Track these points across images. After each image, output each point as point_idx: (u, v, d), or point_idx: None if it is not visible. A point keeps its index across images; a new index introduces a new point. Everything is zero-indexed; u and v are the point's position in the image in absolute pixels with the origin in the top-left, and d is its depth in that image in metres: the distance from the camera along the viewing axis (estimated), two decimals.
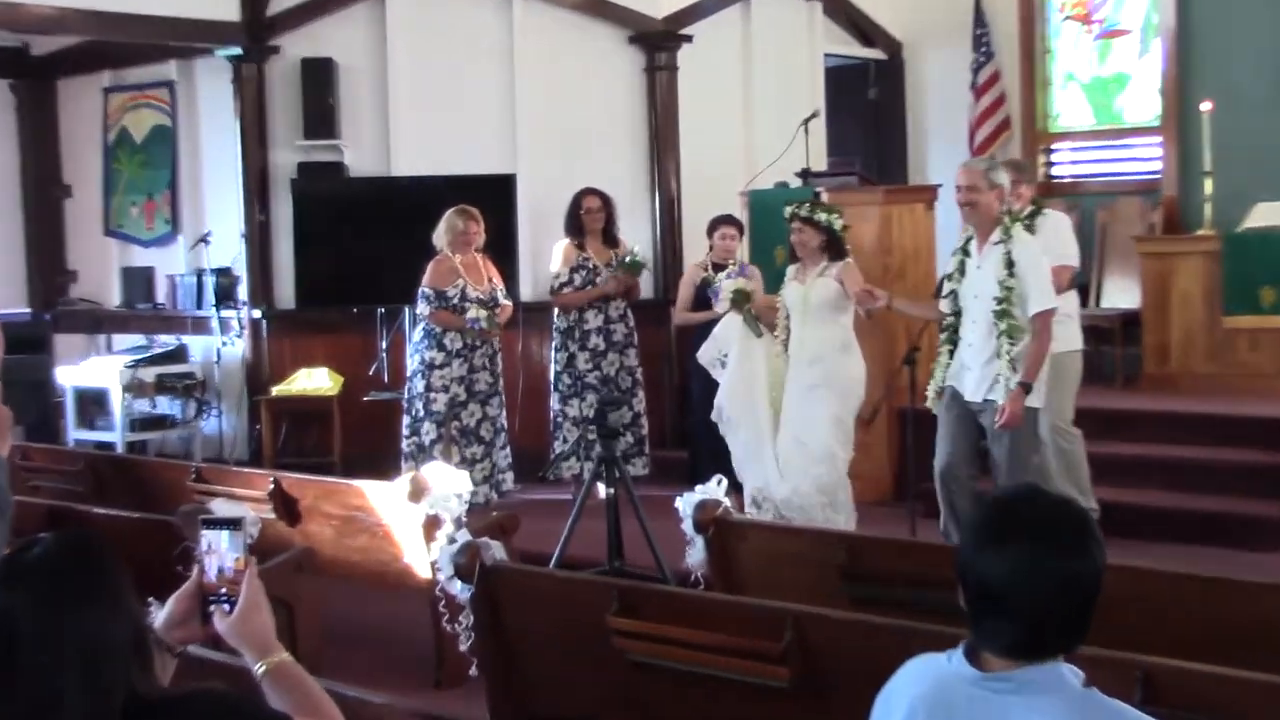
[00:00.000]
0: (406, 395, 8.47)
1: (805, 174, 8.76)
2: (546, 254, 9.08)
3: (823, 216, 6.99)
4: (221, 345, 10.00)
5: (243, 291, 10.04)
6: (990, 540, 2.17)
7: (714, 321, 7.50)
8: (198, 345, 10.34)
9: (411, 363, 8.46)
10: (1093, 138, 10.93)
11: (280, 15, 9.75)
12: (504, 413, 8.52)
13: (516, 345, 9.14)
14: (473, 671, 4.57)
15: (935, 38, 11.59)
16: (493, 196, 9.17)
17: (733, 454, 7.17)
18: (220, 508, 5.33)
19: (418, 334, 8.46)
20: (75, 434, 10.21)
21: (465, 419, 8.36)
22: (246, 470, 6.92)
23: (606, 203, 8.72)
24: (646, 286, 9.75)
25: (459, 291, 8.27)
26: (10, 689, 1.93)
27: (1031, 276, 6.02)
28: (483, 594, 4.40)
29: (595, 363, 8.65)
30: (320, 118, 9.70)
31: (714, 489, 5.08)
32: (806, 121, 8.98)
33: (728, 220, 8.42)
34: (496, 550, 4.47)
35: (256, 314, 9.94)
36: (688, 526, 5.01)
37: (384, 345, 9.47)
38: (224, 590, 2.31)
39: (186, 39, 9.84)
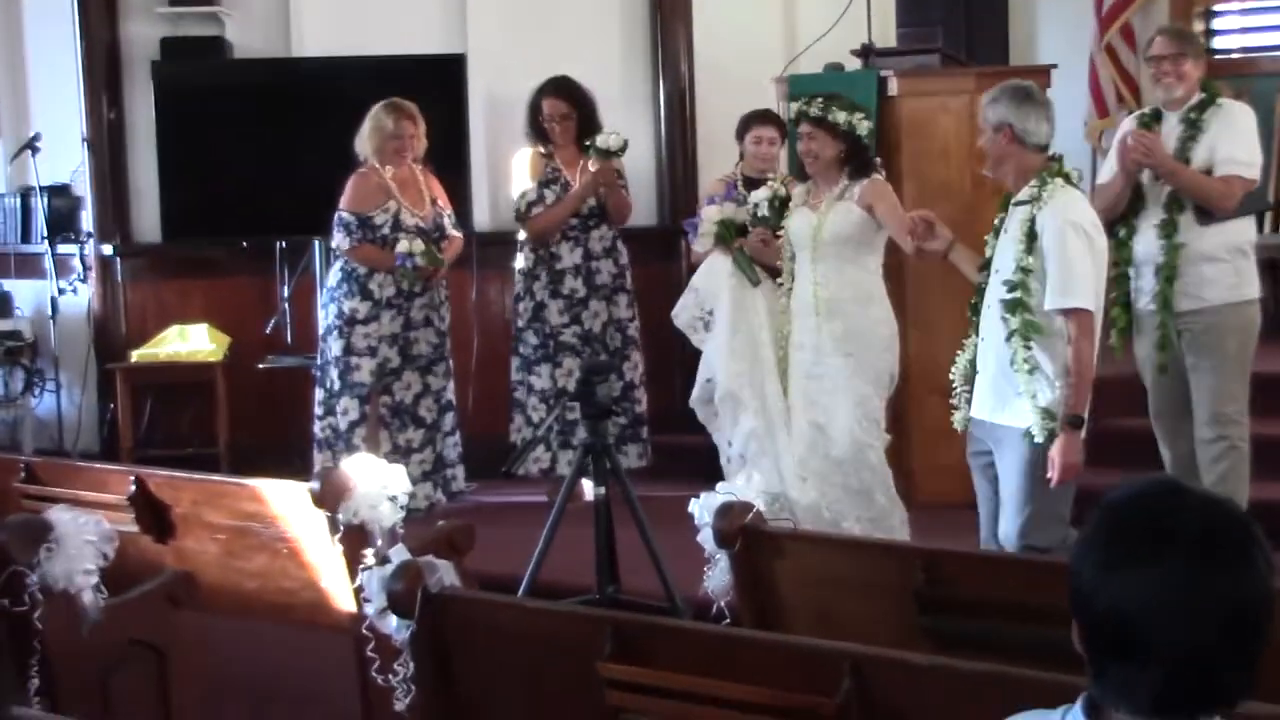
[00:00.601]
0: (319, 361, 8.53)
1: (866, 52, 8.77)
2: (508, 166, 9.12)
3: (841, 117, 7.00)
4: (58, 293, 10.05)
5: (86, 220, 10.08)
6: (1121, 559, 2.15)
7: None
8: (25, 293, 10.39)
9: (325, 316, 8.52)
10: None
11: None
12: (451, 384, 8.58)
13: (469, 293, 9.18)
14: None
15: None
16: (435, 86, 9.23)
17: (729, 445, 7.24)
18: (61, 518, 5.37)
19: (333, 277, 8.51)
20: None
21: (399, 393, 8.44)
22: (97, 466, 6.95)
23: (580, 104, 8.75)
24: (646, 208, 9.79)
25: (390, 219, 8.33)
26: None
27: (1058, 257, 5.75)
28: (426, 632, 4.44)
29: (573, 314, 8.71)
30: None
31: (742, 486, 5.13)
32: None
33: (765, 118, 8.45)
34: (445, 573, 4.52)
35: (107, 250, 9.98)
36: (707, 539, 5.05)
37: (285, 292, 9.52)
38: None
39: None
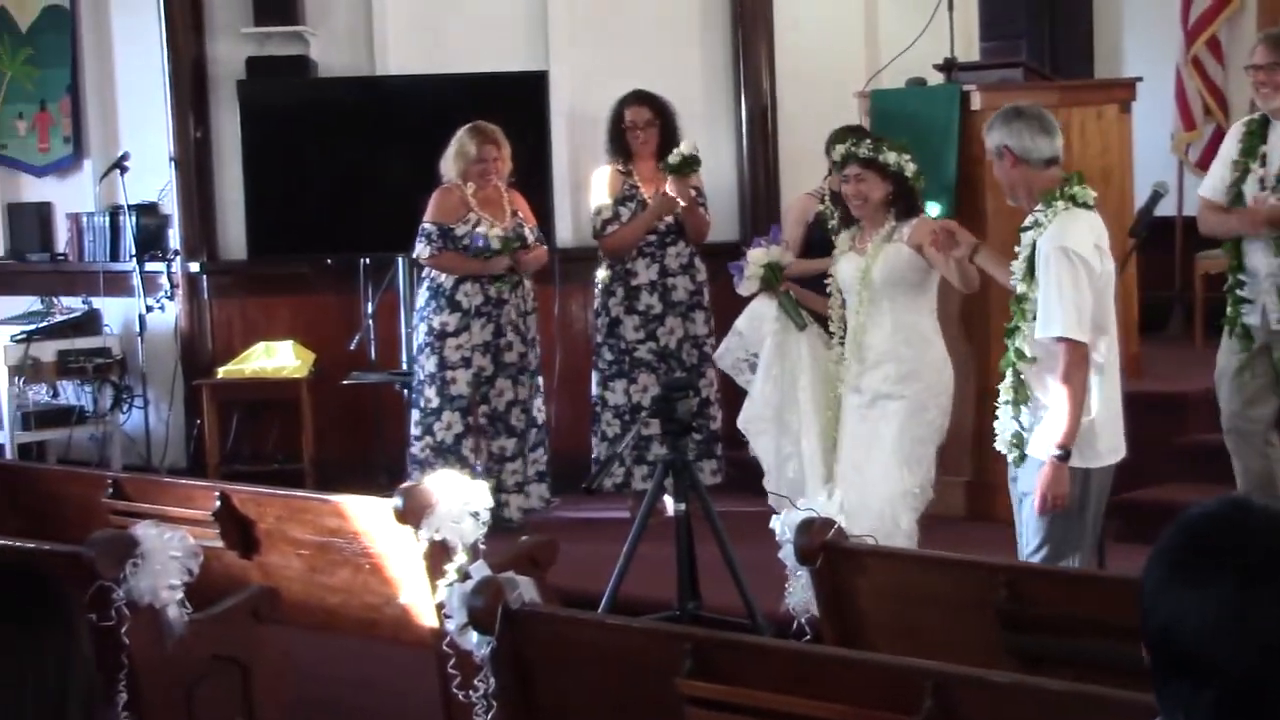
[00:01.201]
0: (414, 382, 8.57)
1: (949, 66, 8.74)
2: (589, 182, 9.13)
3: (892, 157, 6.83)
4: (146, 310, 10.14)
5: (174, 238, 10.17)
6: (1179, 575, 2.11)
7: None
8: (114, 311, 10.50)
9: (416, 337, 8.58)
10: None
11: None
12: (539, 400, 8.62)
13: (552, 308, 9.20)
14: None
15: None
16: (517, 103, 9.27)
17: (762, 460, 7.21)
18: (147, 533, 5.42)
19: (421, 297, 8.58)
20: None
21: (494, 400, 8.49)
22: (183, 482, 7.01)
23: (661, 113, 8.76)
24: (728, 224, 9.77)
25: (470, 230, 8.38)
26: None
27: (1043, 285, 5.63)
28: (507, 649, 4.45)
29: (648, 330, 8.71)
30: None
31: (824, 503, 5.11)
32: None
33: (857, 133, 8.40)
34: (526, 589, 4.52)
35: (194, 267, 10.07)
36: (788, 555, 5.04)
37: (370, 309, 9.57)
38: None
39: None
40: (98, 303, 10.48)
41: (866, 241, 6.87)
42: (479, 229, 8.36)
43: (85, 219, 10.67)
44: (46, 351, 10.18)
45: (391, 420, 9.52)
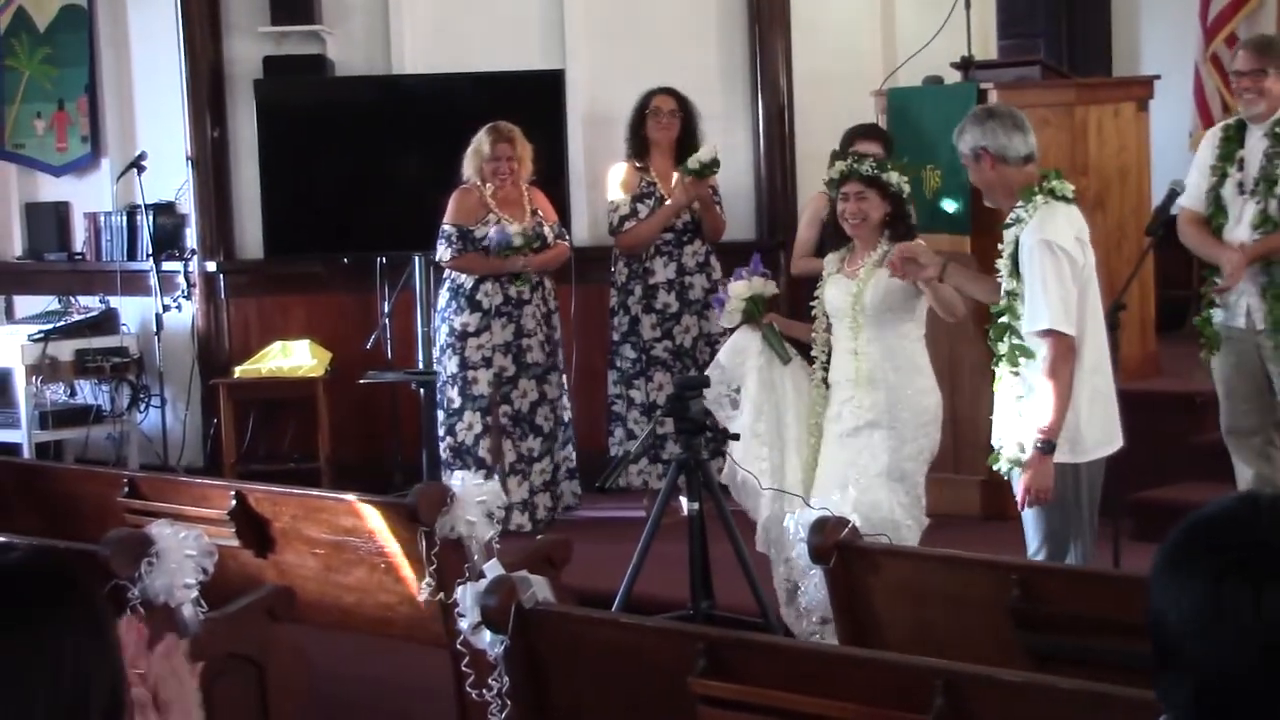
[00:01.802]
0: (439, 382, 8.61)
1: (966, 64, 8.74)
2: (606, 180, 9.15)
3: (894, 177, 6.59)
4: (163, 310, 10.18)
5: (191, 237, 10.21)
6: (1172, 566, 2.09)
7: None
8: (130, 310, 10.54)
9: (438, 338, 8.62)
10: None
11: None
12: (566, 397, 8.68)
13: (569, 307, 9.22)
14: None
15: None
16: (534, 102, 9.30)
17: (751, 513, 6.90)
18: (162, 532, 5.44)
19: (441, 298, 8.62)
20: None
21: (517, 401, 8.52)
22: (200, 481, 7.04)
23: (684, 107, 8.80)
24: (745, 223, 9.79)
25: (492, 229, 8.40)
26: None
27: (1035, 277, 5.63)
28: (521, 648, 4.46)
29: (665, 329, 8.73)
30: None
31: (836, 501, 5.12)
32: None
33: (870, 134, 8.38)
34: (540, 588, 4.53)
35: (211, 267, 10.11)
36: (801, 554, 5.06)
37: (386, 308, 9.59)
38: None
39: None
40: (115, 302, 10.51)
41: (857, 264, 6.59)
42: (496, 226, 8.39)
43: (103, 218, 10.71)
44: (64, 351, 10.20)
45: (407, 419, 9.55)
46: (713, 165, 8.59)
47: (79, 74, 10.86)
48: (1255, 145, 6.87)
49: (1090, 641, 4.51)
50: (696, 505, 5.83)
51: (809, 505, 5.36)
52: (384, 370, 9.48)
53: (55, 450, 10.36)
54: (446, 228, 8.47)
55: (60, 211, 11.01)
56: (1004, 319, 5.71)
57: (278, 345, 9.86)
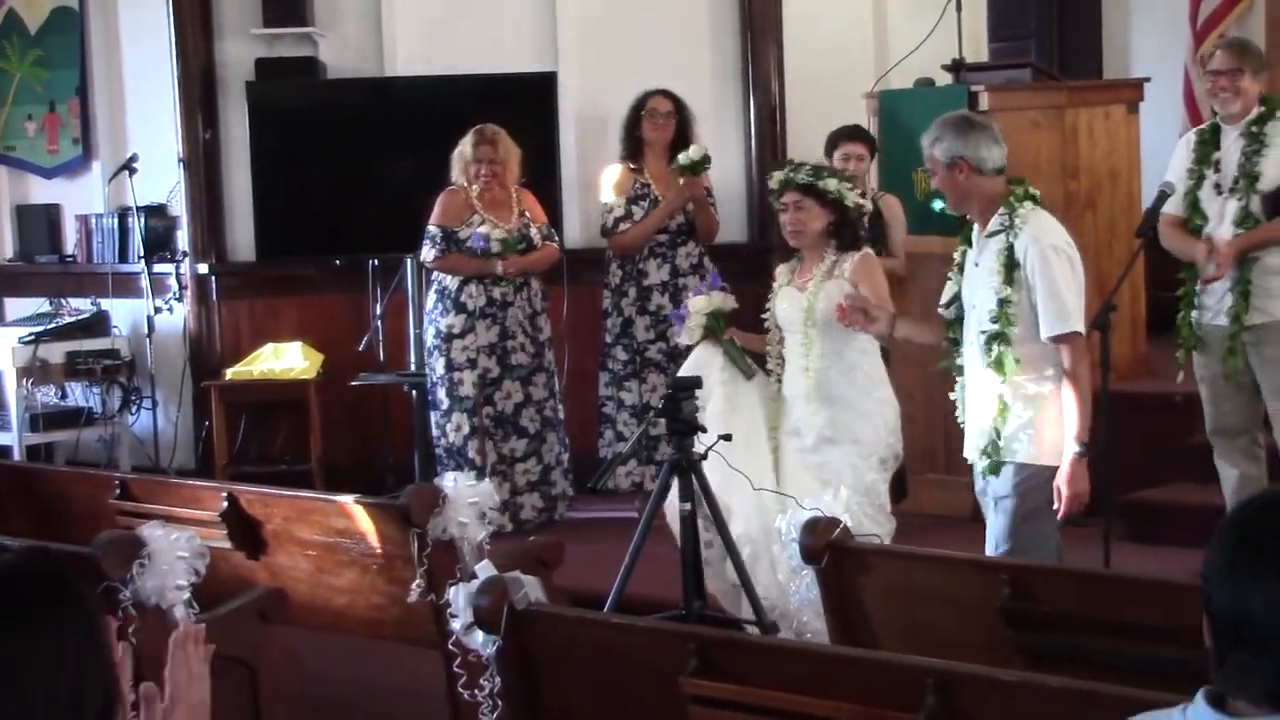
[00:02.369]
0: (429, 384, 8.64)
1: (958, 67, 8.75)
2: (599, 183, 9.16)
3: (832, 184, 6.49)
4: (154, 312, 10.17)
5: (183, 239, 10.21)
6: (1238, 564, 2.30)
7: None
8: (122, 312, 10.54)
9: (426, 339, 8.65)
10: None
11: None
12: (555, 398, 8.71)
13: (561, 309, 9.23)
14: None
15: None
16: (526, 105, 9.31)
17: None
18: (154, 534, 5.44)
19: (430, 299, 8.64)
20: None
21: (500, 403, 8.54)
22: (191, 483, 7.03)
23: (680, 109, 8.83)
24: (736, 225, 9.80)
25: (474, 232, 8.43)
26: None
27: (1046, 284, 5.60)
28: (513, 648, 4.47)
29: (659, 331, 8.74)
30: None
31: (829, 502, 5.13)
32: None
33: (853, 135, 8.41)
34: (532, 589, 4.54)
35: (203, 269, 10.11)
36: (793, 554, 5.06)
37: (378, 310, 9.60)
38: None
39: None
40: (106, 304, 10.50)
41: (807, 276, 6.54)
42: (480, 229, 8.41)
43: (94, 220, 10.70)
44: (55, 353, 10.18)
45: (400, 421, 9.55)
46: (704, 161, 8.61)
47: (70, 76, 10.84)
48: (1232, 145, 6.94)
49: (1081, 640, 4.52)
50: (689, 506, 5.83)
51: (801, 505, 5.33)
52: (376, 372, 9.49)
53: (46, 452, 10.36)
54: (431, 229, 8.52)
55: (51, 213, 11.00)
56: (996, 326, 5.67)
57: (269, 347, 9.86)
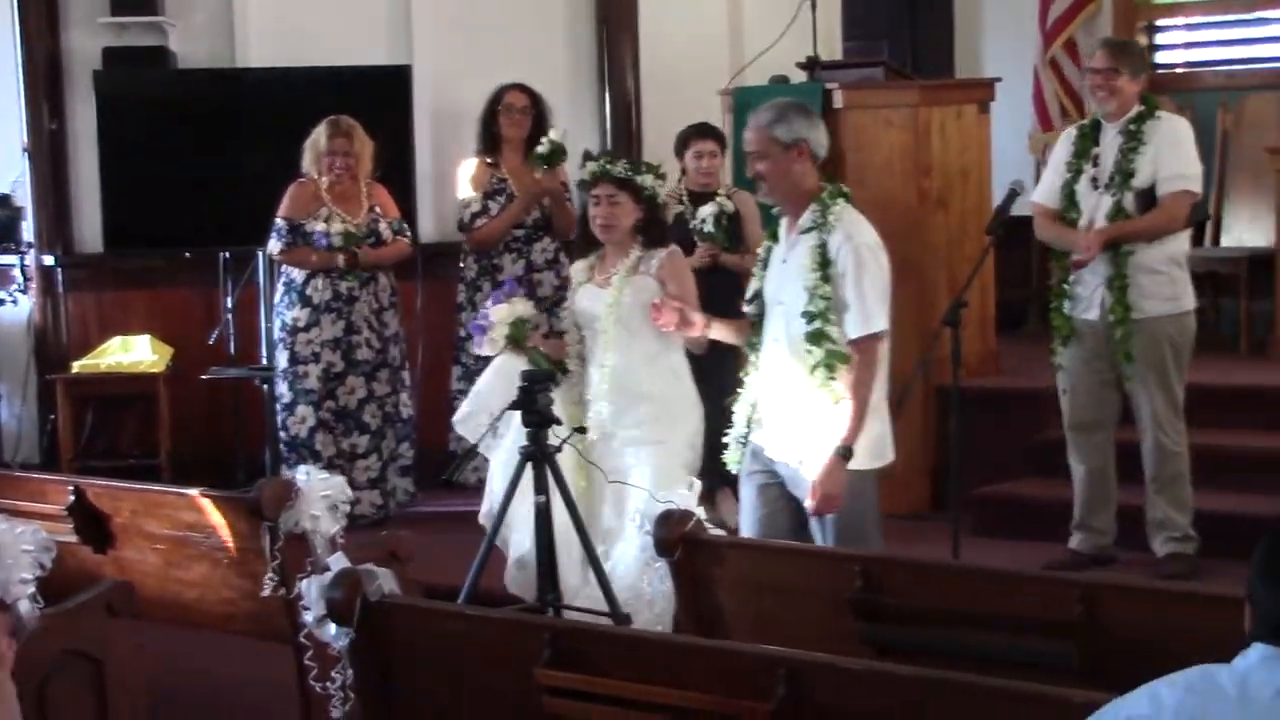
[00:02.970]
0: (276, 376, 8.60)
1: (812, 64, 8.83)
2: (453, 177, 9.15)
3: (648, 180, 6.36)
4: None
5: (27, 230, 10.04)
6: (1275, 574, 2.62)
7: (708, 274, 7.48)
8: None
9: (274, 330, 8.61)
10: (1212, 10, 11.05)
11: None
12: (403, 394, 8.68)
13: (414, 303, 9.20)
14: None
15: None
16: (380, 98, 9.27)
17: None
18: None
19: (277, 293, 8.59)
20: None
21: (342, 398, 8.52)
22: (36, 476, 6.97)
23: (536, 104, 8.83)
24: None
25: (320, 224, 8.42)
26: None
27: (856, 283, 5.57)
28: (366, 641, 4.47)
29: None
30: None
31: (683, 495, 5.16)
32: None
33: (703, 133, 8.43)
34: (386, 581, 4.54)
35: (48, 260, 9.96)
36: (647, 546, 5.09)
37: (229, 304, 9.52)
38: None
39: None
40: None
41: (609, 272, 6.38)
42: (322, 225, 8.38)
43: None
44: None
45: (251, 415, 9.47)
46: (560, 151, 8.60)
47: None
48: (1110, 142, 7.10)
49: (929, 631, 4.59)
50: (543, 498, 5.84)
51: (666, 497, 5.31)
52: (227, 366, 9.41)
53: None
54: (278, 221, 8.48)
55: None
56: (816, 324, 5.59)
57: (117, 340, 9.73)
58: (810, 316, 5.59)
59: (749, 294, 5.94)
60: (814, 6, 8.91)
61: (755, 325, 5.88)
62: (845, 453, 5.57)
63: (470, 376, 8.71)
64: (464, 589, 5.85)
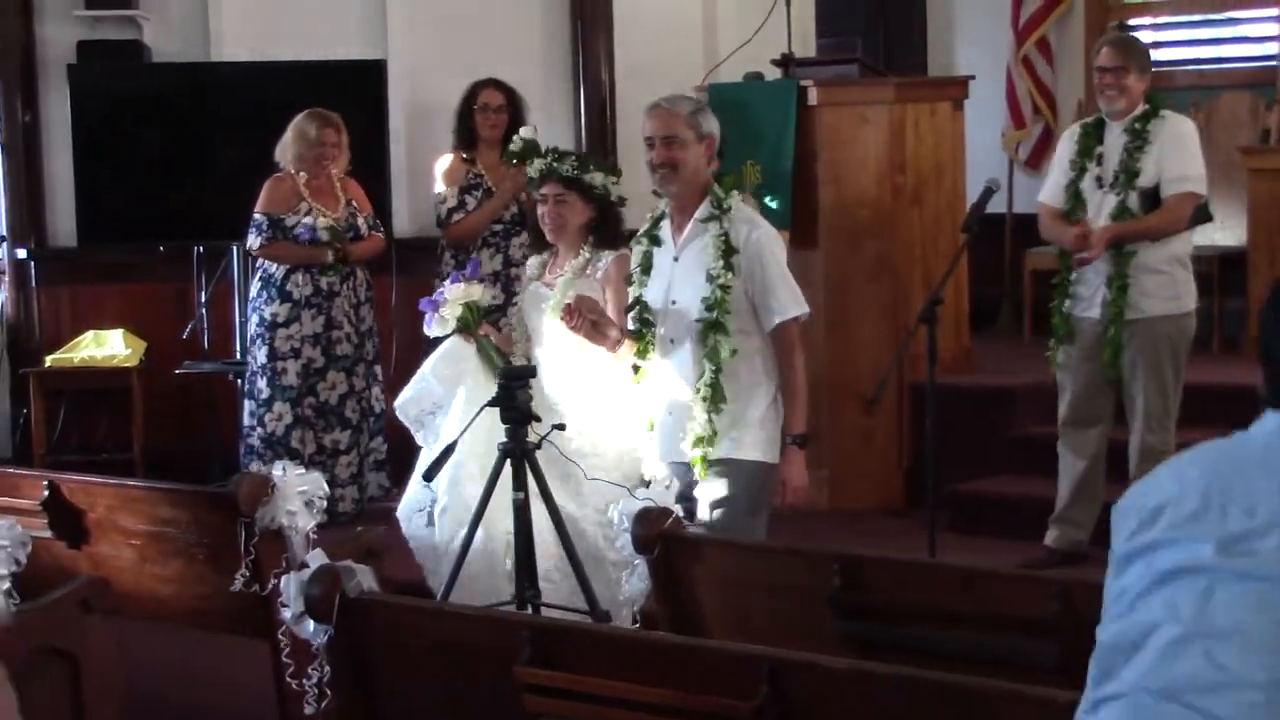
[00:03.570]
0: (247, 373, 8.54)
1: (786, 61, 8.84)
2: (428, 171, 9.12)
3: (598, 178, 6.16)
4: None
5: (0, 223, 9.99)
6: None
7: None
8: None
9: (250, 327, 8.55)
10: (1184, 9, 11.08)
11: None
12: (377, 389, 8.63)
13: (389, 298, 9.17)
14: None
15: None
16: (355, 92, 9.24)
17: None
18: None
19: (254, 286, 8.55)
20: None
21: (323, 393, 8.47)
22: (9, 471, 6.90)
23: (512, 100, 8.80)
24: None
25: (300, 220, 8.39)
26: None
27: (773, 269, 5.60)
28: (344, 637, 4.44)
29: (492, 320, 8.67)
30: None
31: (661, 492, 5.14)
32: None
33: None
34: (364, 578, 4.51)
35: (21, 254, 9.90)
36: (625, 544, 5.07)
37: (204, 298, 9.48)
38: None
39: None
40: None
41: (557, 272, 6.25)
42: (307, 219, 8.34)
43: None
44: None
45: (225, 410, 9.43)
46: (535, 146, 8.54)
47: None
48: (1115, 141, 7.09)
49: (908, 629, 4.58)
50: (522, 495, 5.81)
51: (633, 496, 5.31)
52: (201, 360, 9.38)
53: None
54: (258, 216, 8.42)
55: None
56: (713, 314, 5.58)
57: (91, 334, 9.70)
58: (709, 305, 5.60)
59: (629, 302, 5.89)
60: (788, 4, 8.92)
61: (639, 334, 5.85)
62: (801, 441, 5.64)
63: None
64: (443, 586, 5.84)
